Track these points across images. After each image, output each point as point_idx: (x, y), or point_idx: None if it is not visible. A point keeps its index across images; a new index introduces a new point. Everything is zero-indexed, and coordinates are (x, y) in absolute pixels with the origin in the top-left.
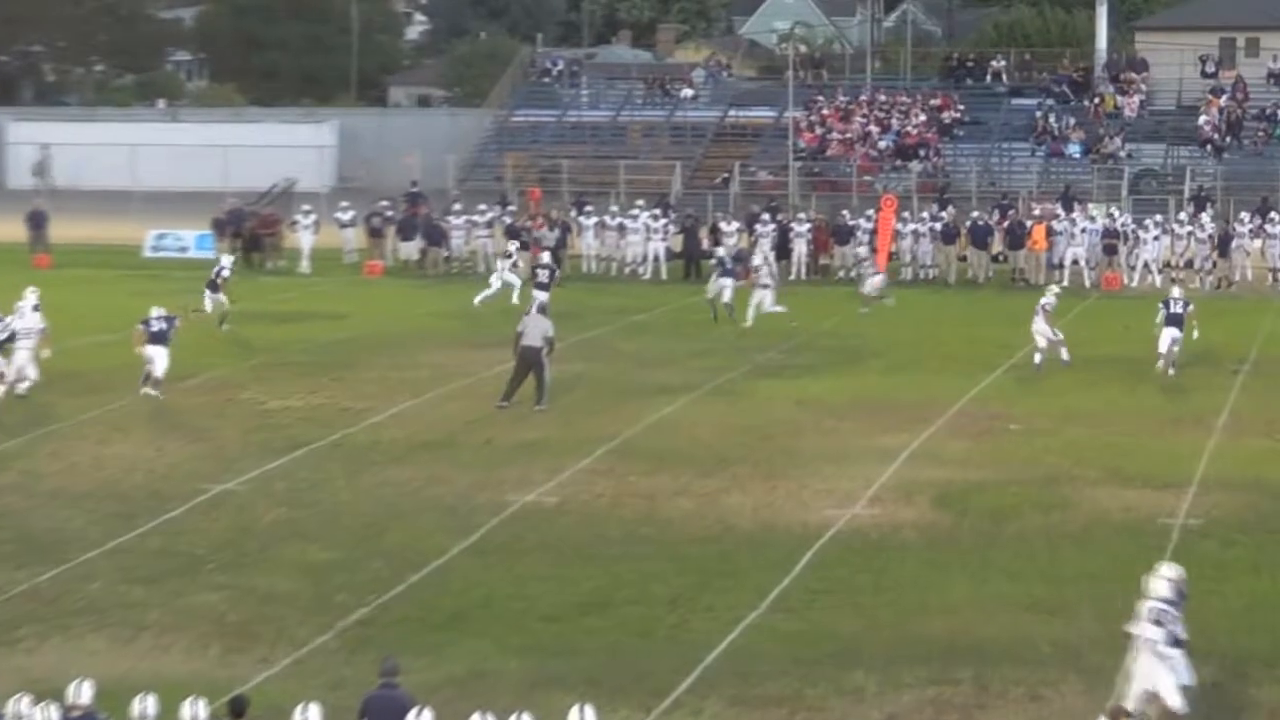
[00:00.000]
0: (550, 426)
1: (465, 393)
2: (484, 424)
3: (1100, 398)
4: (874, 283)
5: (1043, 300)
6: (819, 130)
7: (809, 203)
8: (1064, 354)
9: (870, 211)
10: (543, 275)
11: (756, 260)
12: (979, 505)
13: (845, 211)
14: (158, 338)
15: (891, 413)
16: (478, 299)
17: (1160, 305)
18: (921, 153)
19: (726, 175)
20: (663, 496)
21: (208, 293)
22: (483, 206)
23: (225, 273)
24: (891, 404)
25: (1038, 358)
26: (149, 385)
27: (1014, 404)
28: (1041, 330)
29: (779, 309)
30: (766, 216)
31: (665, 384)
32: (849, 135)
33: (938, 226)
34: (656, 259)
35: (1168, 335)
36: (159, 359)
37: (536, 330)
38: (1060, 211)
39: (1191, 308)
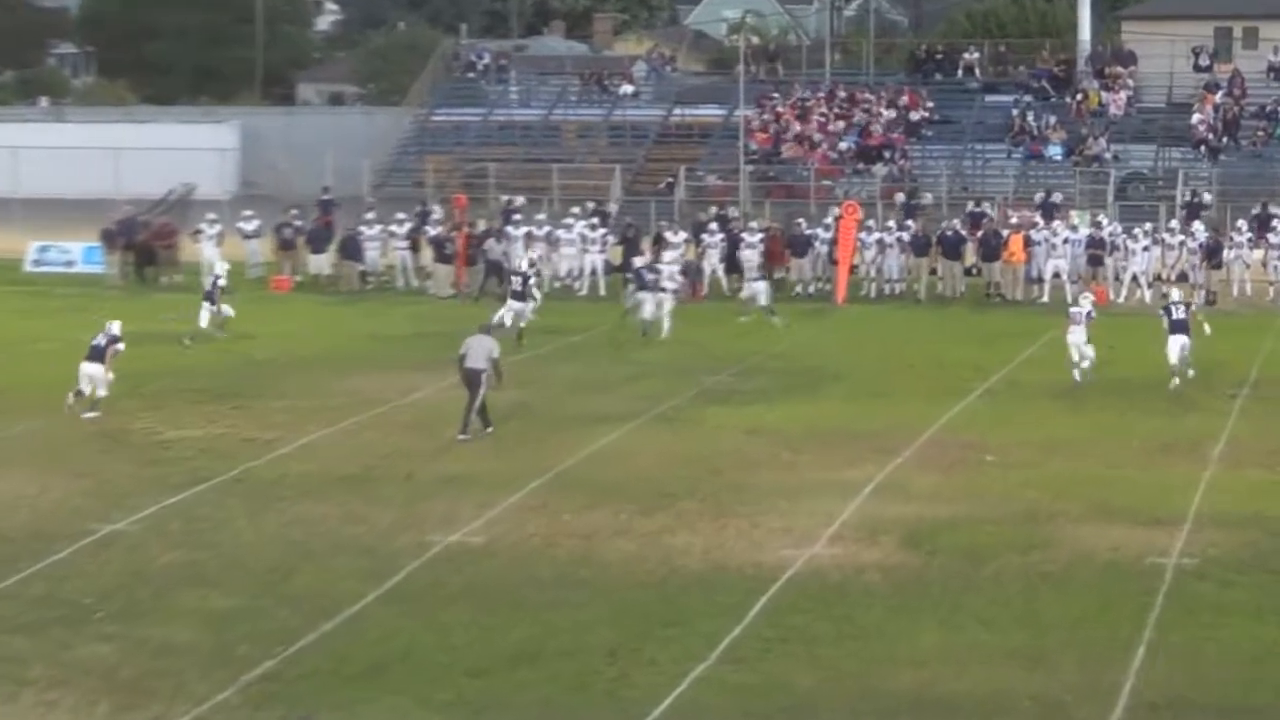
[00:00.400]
0: (477, 459)
1: (382, 422)
2: (404, 456)
3: (1084, 425)
4: (755, 288)
5: (1085, 309)
6: (773, 130)
7: (762, 210)
8: (1076, 374)
9: (829, 219)
10: (516, 284)
11: (666, 270)
12: (951, 545)
13: (801, 220)
14: (95, 355)
15: (854, 443)
16: (507, 320)
17: (1161, 313)
18: (886, 155)
19: (671, 180)
20: (601, 536)
21: (205, 305)
22: (401, 215)
23: (222, 281)
24: (854, 433)
25: (1077, 374)
26: (88, 408)
27: (989, 433)
28: (1079, 342)
29: (660, 320)
30: (715, 225)
31: (604, 411)
32: (806, 136)
33: (905, 236)
34: (594, 273)
35: (1175, 344)
36: (96, 377)
37: (480, 351)
38: (1039, 220)
39: (1194, 307)
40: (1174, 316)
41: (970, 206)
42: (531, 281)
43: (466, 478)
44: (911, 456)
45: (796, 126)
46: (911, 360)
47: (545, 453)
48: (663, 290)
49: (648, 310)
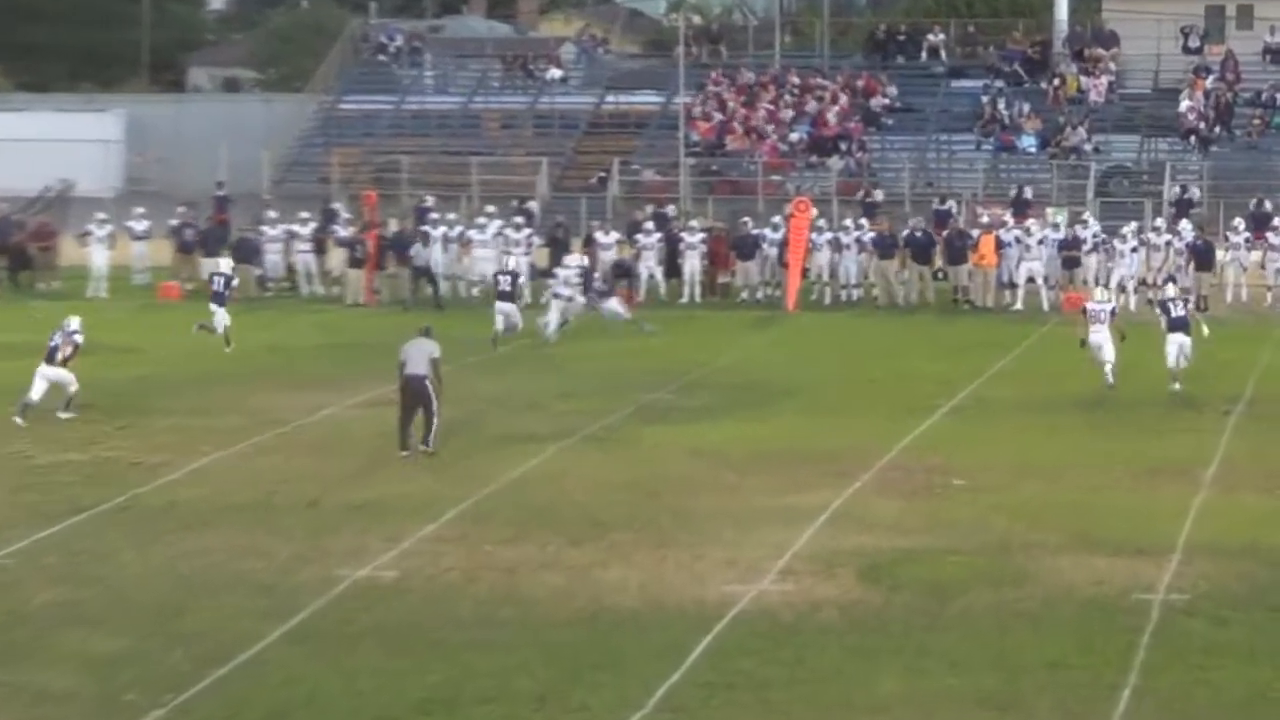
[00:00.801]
0: (389, 485)
1: (283, 444)
2: (307, 482)
3: (1062, 446)
4: (610, 307)
5: (1108, 306)
6: (716, 120)
7: (704, 208)
8: (1110, 376)
9: (778, 218)
10: (505, 284)
11: (561, 273)
12: (915, 579)
13: (748, 219)
14: (52, 355)
15: (807, 465)
16: (549, 329)
17: (1158, 311)
18: (843, 146)
19: (603, 174)
20: (526, 570)
21: (214, 308)
22: (305, 214)
23: (234, 281)
24: (807, 454)
25: (1110, 375)
26: (67, 407)
27: (957, 454)
28: (1103, 343)
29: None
30: (651, 225)
31: (530, 431)
32: (753, 126)
33: (865, 237)
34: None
35: (1174, 344)
36: (63, 381)
37: (420, 355)
38: (1011, 218)
39: (1192, 305)
40: (1173, 314)
41: (935, 204)
42: (521, 281)
43: (377, 506)
44: (871, 481)
45: (743, 115)
46: (871, 374)
47: (464, 477)
48: (558, 296)
49: (553, 318)
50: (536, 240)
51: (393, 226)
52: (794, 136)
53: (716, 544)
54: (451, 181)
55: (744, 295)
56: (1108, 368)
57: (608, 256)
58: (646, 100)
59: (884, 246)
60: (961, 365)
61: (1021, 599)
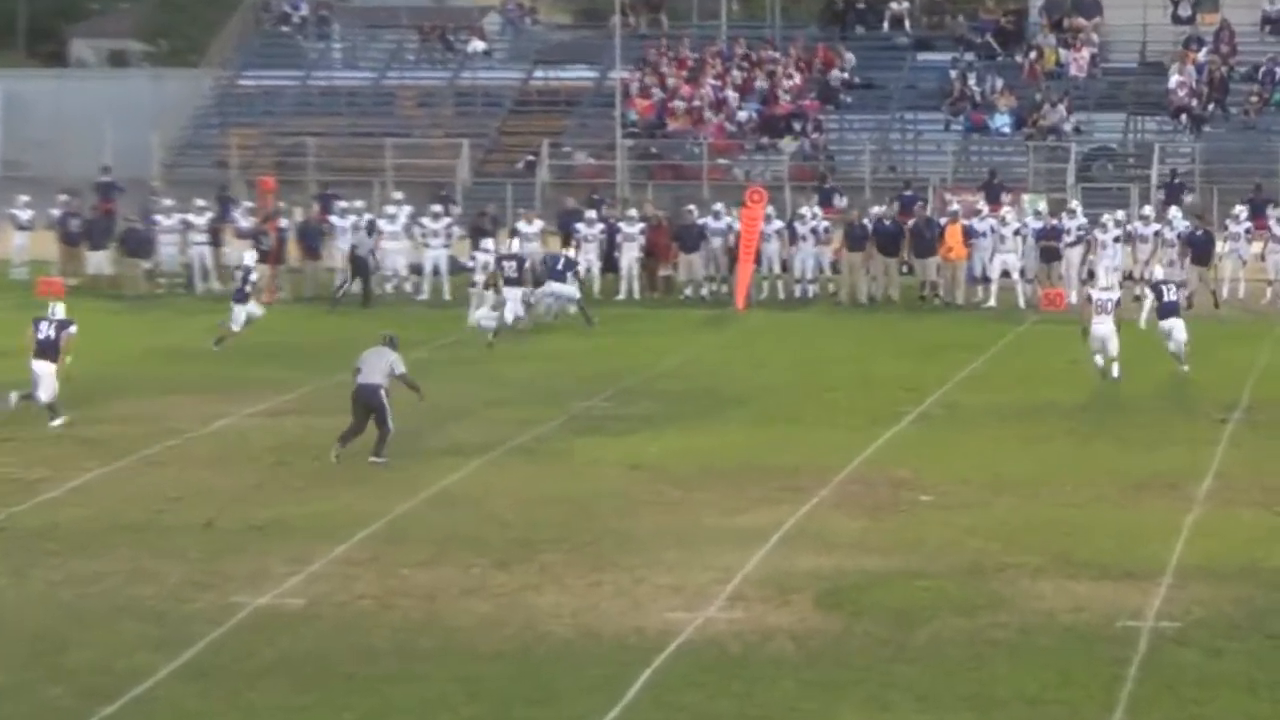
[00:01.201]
0: (293, 502)
1: (175, 456)
2: (202, 499)
3: (1041, 458)
4: (479, 316)
5: (1114, 295)
6: (656, 97)
7: (643, 194)
8: (1115, 371)
9: (719, 205)
10: (510, 269)
11: (480, 257)
12: (878, 605)
13: (693, 207)
14: (45, 350)
15: (758, 480)
16: (508, 316)
17: (1149, 293)
18: (796, 126)
19: (532, 157)
20: (447, 595)
21: (235, 307)
22: (200, 202)
23: (253, 275)
24: (758, 468)
25: (1115, 370)
26: (53, 416)
27: (925, 467)
28: (1107, 335)
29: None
30: (594, 214)
31: (451, 442)
32: (697, 103)
33: (820, 226)
34: (436, 272)
35: (1171, 330)
36: (46, 380)
37: (377, 365)
38: (984, 205)
39: (1185, 290)
40: (1165, 298)
41: (902, 190)
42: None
43: (279, 525)
44: (829, 497)
45: (686, 92)
46: (830, 379)
47: (377, 493)
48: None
49: (485, 316)
50: (457, 230)
51: (297, 215)
52: (742, 115)
53: (658, 567)
54: (363, 166)
55: (688, 292)
56: (1114, 365)
57: (532, 249)
58: (579, 75)
59: (854, 238)
60: (929, 368)
61: (996, 627)
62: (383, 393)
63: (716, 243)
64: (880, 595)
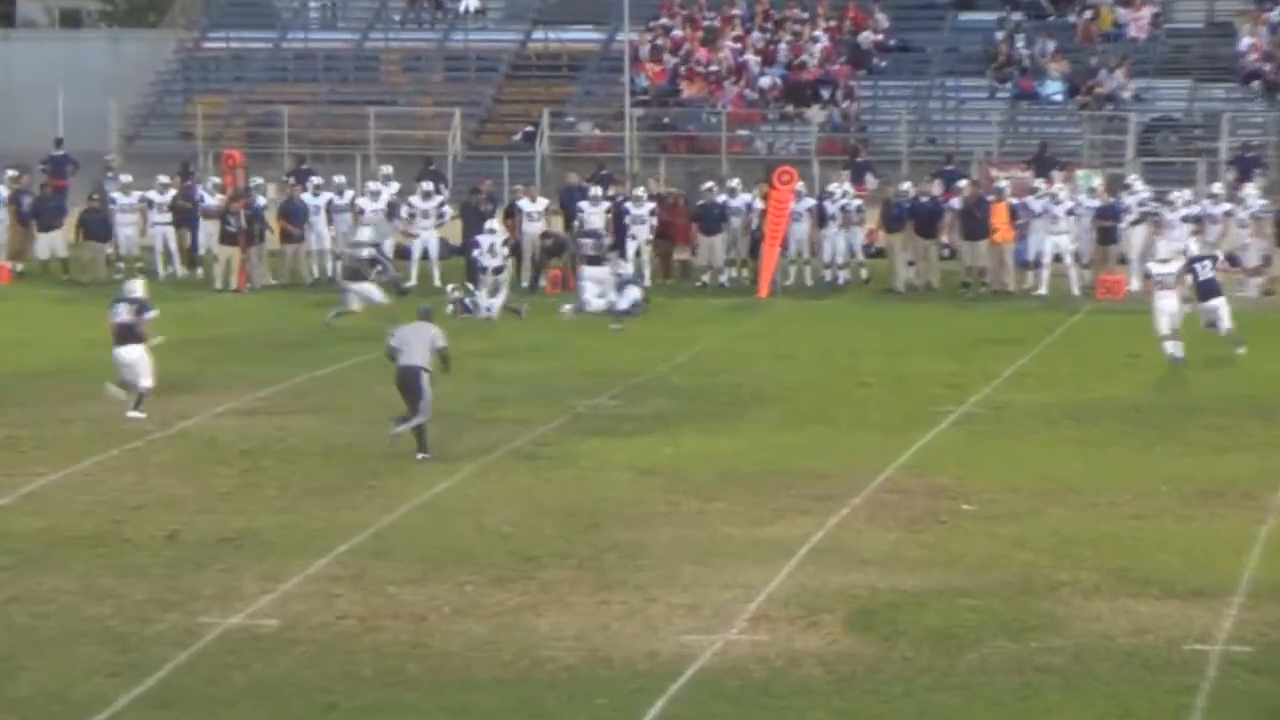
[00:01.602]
0: (266, 512)
1: (136, 461)
2: (165, 508)
3: (1097, 462)
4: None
5: (1174, 268)
6: (669, 61)
7: (655, 169)
8: (1177, 351)
9: (735, 182)
10: (590, 247)
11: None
12: (916, 627)
13: (713, 184)
14: (125, 334)
15: (784, 487)
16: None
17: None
18: (825, 94)
19: (531, 128)
20: (438, 616)
21: (352, 286)
22: (163, 179)
23: (366, 252)
24: (784, 474)
25: (1177, 351)
26: (132, 406)
27: (968, 472)
28: (1172, 310)
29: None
30: (597, 192)
31: (443, 445)
32: (715, 69)
33: (851, 205)
34: (426, 255)
35: (1215, 312)
36: (138, 364)
37: (418, 343)
38: (1038, 183)
39: (1222, 262)
40: (1201, 276)
41: (943, 165)
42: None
43: (252, 538)
44: (863, 506)
45: (702, 56)
46: (863, 374)
47: (361, 503)
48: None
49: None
50: (448, 211)
51: (270, 193)
52: (765, 82)
53: (673, 584)
54: (343, 137)
55: (705, 278)
56: (1178, 346)
57: (534, 229)
58: (583, 37)
59: (891, 218)
60: (973, 363)
61: (1048, 652)
62: (425, 376)
63: (736, 223)
64: (919, 616)
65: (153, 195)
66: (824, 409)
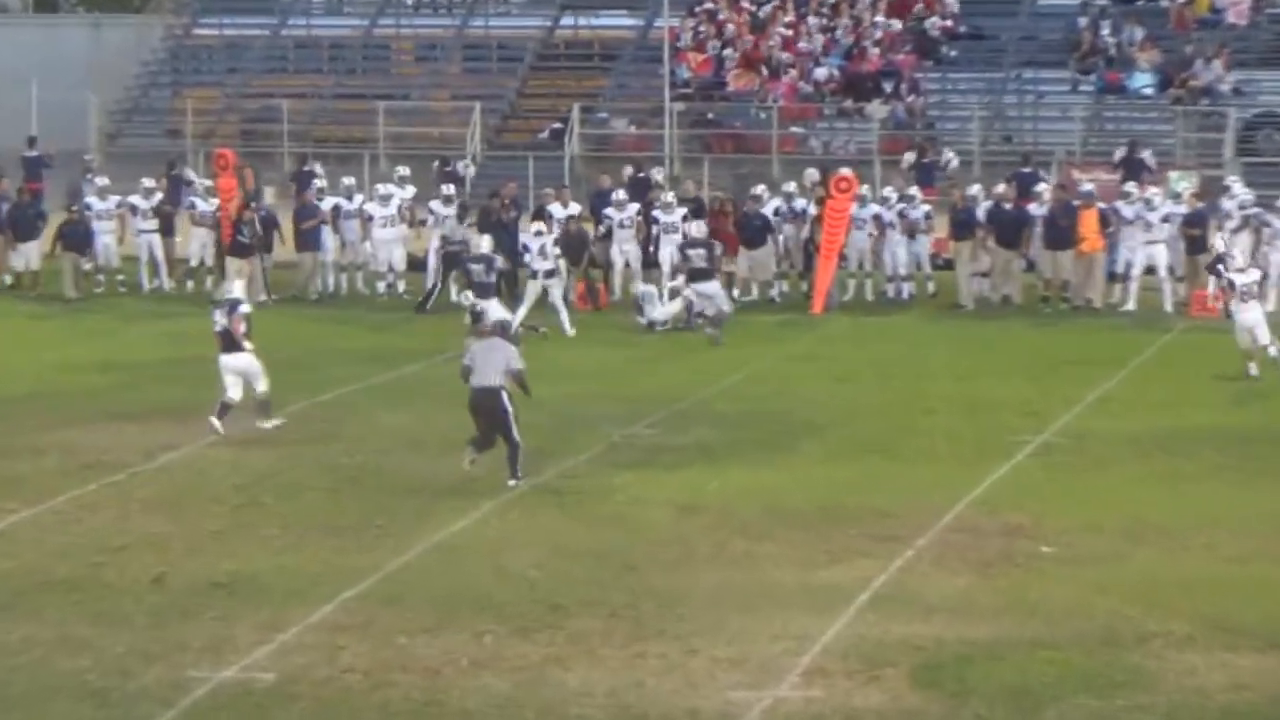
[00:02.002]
0: (262, 554)
1: (117, 496)
2: (149, 549)
3: (1190, 500)
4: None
5: (1257, 275)
6: (714, 50)
7: (697, 171)
8: (1253, 368)
9: (791, 186)
10: (699, 259)
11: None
12: (989, 683)
13: (762, 188)
14: (229, 341)
15: (841, 526)
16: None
17: (1208, 276)
18: (888, 87)
19: (559, 125)
20: (454, 669)
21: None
22: (148, 181)
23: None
24: (840, 512)
25: (1253, 368)
26: (263, 413)
27: (1046, 510)
28: (1254, 324)
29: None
30: (623, 195)
31: (459, 479)
32: (764, 58)
33: (915, 212)
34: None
35: (1251, 319)
36: (248, 370)
37: (493, 362)
38: (1129, 186)
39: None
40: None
41: (1019, 167)
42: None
43: (247, 582)
44: (929, 547)
45: (750, 43)
46: (929, 400)
47: (368, 544)
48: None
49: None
50: (467, 217)
51: (267, 198)
52: (821, 73)
53: (717, 635)
54: (349, 136)
55: (753, 292)
56: (1273, 350)
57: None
58: (617, 23)
59: (959, 224)
60: (1053, 388)
61: (1137, 710)
62: (505, 395)
63: (789, 230)
64: (992, 670)
65: (135, 200)
66: (885, 439)
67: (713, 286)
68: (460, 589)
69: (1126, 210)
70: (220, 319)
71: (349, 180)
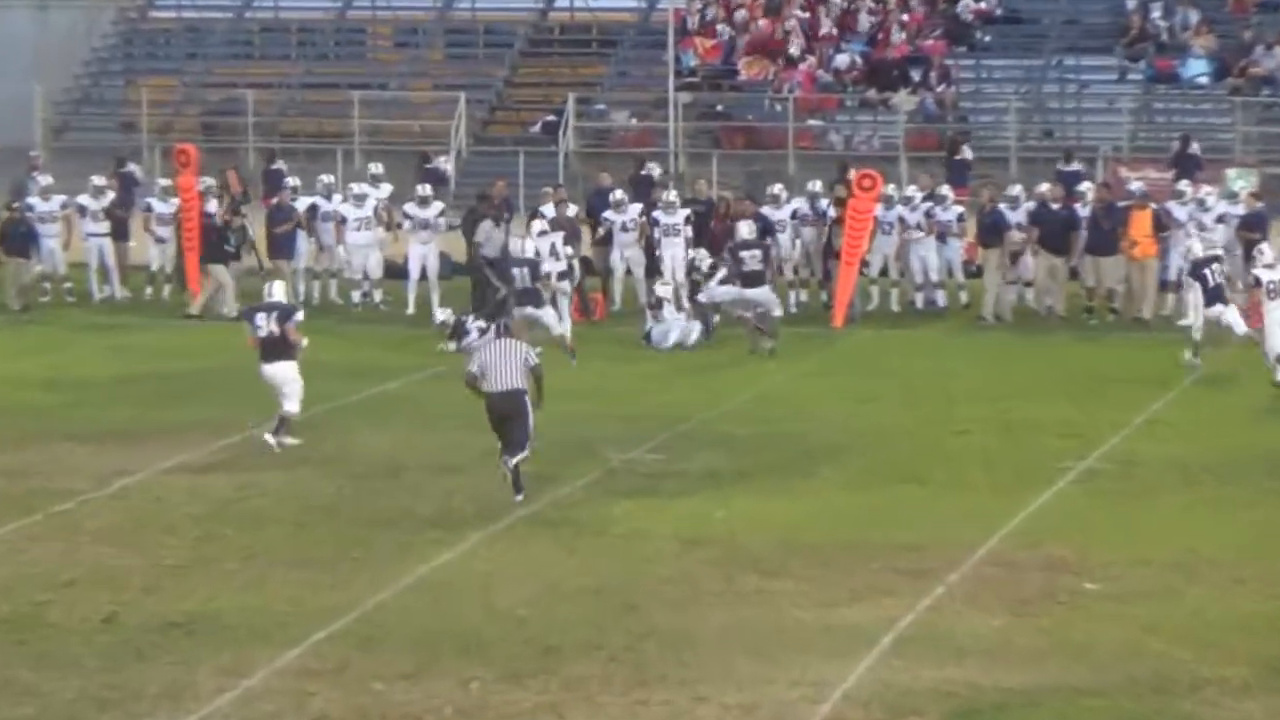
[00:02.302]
0: (225, 590)
1: (65, 527)
2: (100, 586)
3: (1246, 530)
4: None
5: (1276, 273)
6: (723, 35)
7: (705, 168)
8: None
9: (816, 185)
10: (753, 261)
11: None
12: None
13: (779, 187)
14: (272, 349)
15: (863, 561)
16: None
17: (1189, 279)
18: (915, 76)
19: (553, 117)
20: (437, 719)
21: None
22: (98, 180)
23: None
24: (863, 545)
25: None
26: (278, 431)
27: (1090, 542)
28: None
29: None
30: (621, 195)
31: (442, 508)
32: (778, 44)
33: (945, 215)
34: (424, 276)
35: (1220, 319)
36: (286, 384)
37: (510, 364)
38: (1186, 186)
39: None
40: (1211, 282)
41: (1061, 164)
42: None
43: (207, 622)
44: (961, 584)
45: (763, 28)
46: (961, 422)
47: (343, 580)
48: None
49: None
50: (450, 217)
51: (231, 197)
52: (842, 60)
53: (726, 681)
54: (321, 129)
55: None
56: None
57: (543, 245)
58: (617, 5)
59: (988, 228)
60: (1097, 409)
61: None
62: (526, 399)
63: (807, 235)
64: (1031, 718)
65: (84, 200)
66: (912, 464)
67: (764, 292)
68: (444, 630)
69: (1179, 212)
70: (265, 325)
71: (327, 178)
